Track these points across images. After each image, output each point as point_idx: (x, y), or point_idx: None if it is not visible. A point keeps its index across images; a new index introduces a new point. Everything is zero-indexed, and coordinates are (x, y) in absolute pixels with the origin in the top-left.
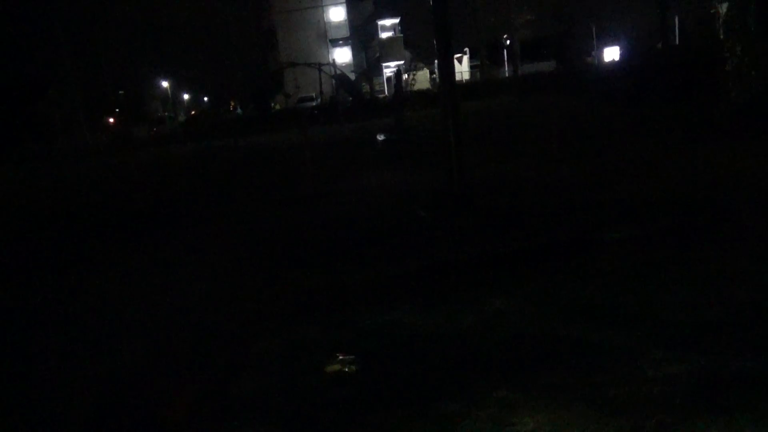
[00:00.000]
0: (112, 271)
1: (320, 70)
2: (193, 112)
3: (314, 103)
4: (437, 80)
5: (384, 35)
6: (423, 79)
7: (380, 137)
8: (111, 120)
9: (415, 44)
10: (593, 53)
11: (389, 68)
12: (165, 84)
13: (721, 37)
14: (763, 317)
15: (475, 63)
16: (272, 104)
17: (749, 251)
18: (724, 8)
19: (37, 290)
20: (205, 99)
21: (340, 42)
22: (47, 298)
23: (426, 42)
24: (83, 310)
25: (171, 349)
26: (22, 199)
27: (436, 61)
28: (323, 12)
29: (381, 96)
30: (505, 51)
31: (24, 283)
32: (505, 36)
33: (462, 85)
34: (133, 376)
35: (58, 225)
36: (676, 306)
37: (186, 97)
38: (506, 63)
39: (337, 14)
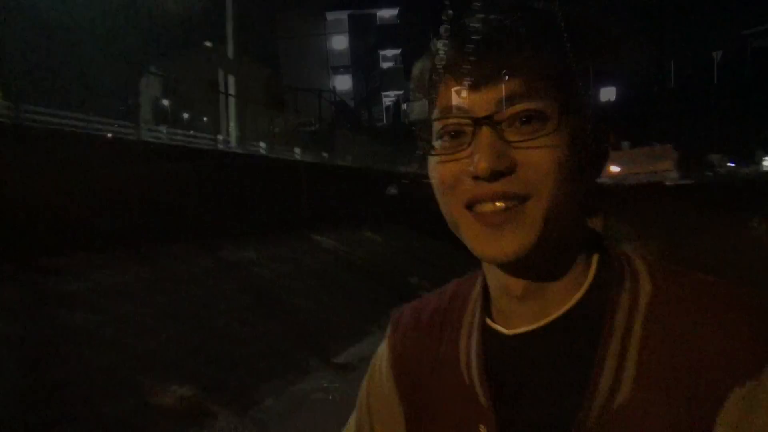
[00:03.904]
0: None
1: (320, 97)
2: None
3: (312, 128)
4: None
5: (385, 65)
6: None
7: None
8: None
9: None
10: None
11: (389, 98)
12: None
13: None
14: None
15: None
16: (271, 127)
17: None
18: (719, 56)
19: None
20: (204, 118)
21: (341, 70)
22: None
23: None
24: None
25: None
26: None
27: None
28: (326, 39)
29: (379, 124)
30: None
31: None
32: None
33: None
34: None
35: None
36: None
37: (185, 115)
38: None
39: (339, 42)
